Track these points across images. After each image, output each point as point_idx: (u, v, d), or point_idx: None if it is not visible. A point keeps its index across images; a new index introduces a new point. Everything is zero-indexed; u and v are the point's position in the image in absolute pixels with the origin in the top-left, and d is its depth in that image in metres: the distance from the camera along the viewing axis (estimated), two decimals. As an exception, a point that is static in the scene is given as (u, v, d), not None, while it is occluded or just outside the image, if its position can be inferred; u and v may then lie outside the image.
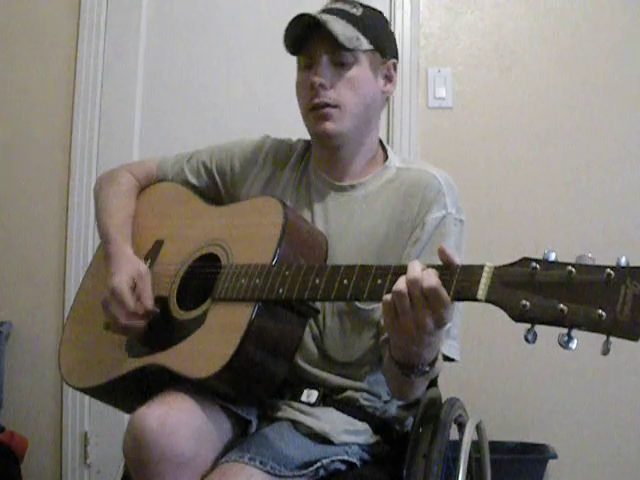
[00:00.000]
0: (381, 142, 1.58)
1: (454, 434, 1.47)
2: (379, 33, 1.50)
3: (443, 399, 1.55)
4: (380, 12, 1.55)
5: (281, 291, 1.27)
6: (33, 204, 2.71)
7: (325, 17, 1.44)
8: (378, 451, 1.43)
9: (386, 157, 1.54)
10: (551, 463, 2.32)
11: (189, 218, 1.56)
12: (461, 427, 1.51)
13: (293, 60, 1.57)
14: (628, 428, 2.48)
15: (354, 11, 1.47)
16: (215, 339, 1.31)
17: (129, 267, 1.47)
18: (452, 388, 1.61)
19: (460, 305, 1.40)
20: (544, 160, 2.59)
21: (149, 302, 1.43)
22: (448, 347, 1.36)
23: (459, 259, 1.11)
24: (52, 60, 2.75)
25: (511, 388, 2.51)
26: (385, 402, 1.47)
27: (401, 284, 1.10)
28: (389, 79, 1.53)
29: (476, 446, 1.58)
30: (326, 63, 1.45)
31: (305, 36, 1.46)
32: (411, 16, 2.61)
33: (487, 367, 2.52)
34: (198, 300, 1.40)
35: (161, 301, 1.46)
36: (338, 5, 1.49)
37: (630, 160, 2.57)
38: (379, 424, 1.45)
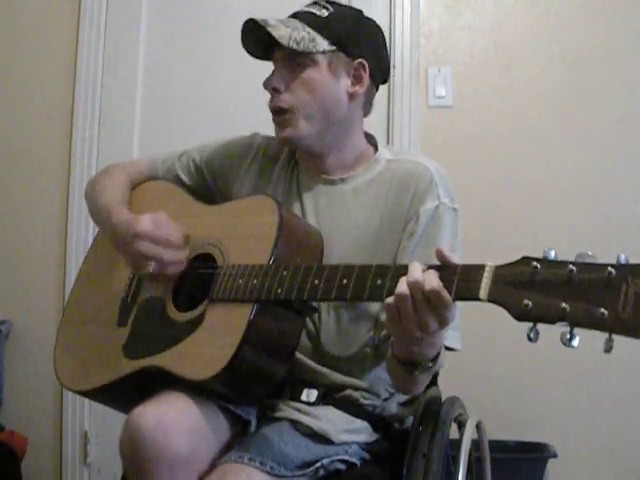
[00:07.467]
0: (369, 137, 1.56)
1: (454, 433, 1.47)
2: (345, 33, 1.45)
3: (443, 398, 1.55)
4: (358, 11, 1.52)
5: (280, 291, 1.27)
6: (33, 204, 2.71)
7: (273, 22, 1.43)
8: (378, 449, 1.43)
9: (376, 151, 1.53)
10: (551, 462, 2.32)
11: (183, 217, 1.54)
12: (461, 426, 1.51)
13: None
14: (629, 427, 2.47)
15: (319, 12, 1.45)
16: (214, 340, 1.31)
17: (144, 216, 1.44)
18: (452, 387, 1.61)
19: None
20: (543, 159, 2.59)
21: (181, 229, 1.43)
22: (450, 338, 1.36)
23: (457, 256, 1.11)
24: (52, 60, 2.75)
25: (511, 387, 2.51)
26: (384, 400, 1.47)
27: (403, 287, 1.10)
28: (358, 79, 1.46)
29: (476, 445, 1.58)
30: (282, 66, 1.46)
31: (270, 41, 1.44)
32: (411, 16, 2.61)
33: (487, 366, 2.52)
34: (195, 301, 1.39)
35: (157, 302, 1.45)
36: (306, 8, 1.48)
37: (630, 159, 2.57)
38: (378, 422, 1.45)
